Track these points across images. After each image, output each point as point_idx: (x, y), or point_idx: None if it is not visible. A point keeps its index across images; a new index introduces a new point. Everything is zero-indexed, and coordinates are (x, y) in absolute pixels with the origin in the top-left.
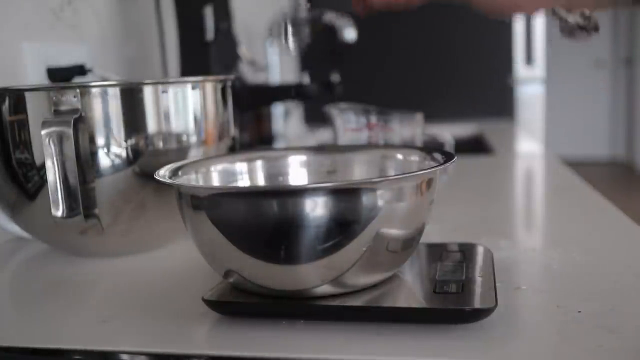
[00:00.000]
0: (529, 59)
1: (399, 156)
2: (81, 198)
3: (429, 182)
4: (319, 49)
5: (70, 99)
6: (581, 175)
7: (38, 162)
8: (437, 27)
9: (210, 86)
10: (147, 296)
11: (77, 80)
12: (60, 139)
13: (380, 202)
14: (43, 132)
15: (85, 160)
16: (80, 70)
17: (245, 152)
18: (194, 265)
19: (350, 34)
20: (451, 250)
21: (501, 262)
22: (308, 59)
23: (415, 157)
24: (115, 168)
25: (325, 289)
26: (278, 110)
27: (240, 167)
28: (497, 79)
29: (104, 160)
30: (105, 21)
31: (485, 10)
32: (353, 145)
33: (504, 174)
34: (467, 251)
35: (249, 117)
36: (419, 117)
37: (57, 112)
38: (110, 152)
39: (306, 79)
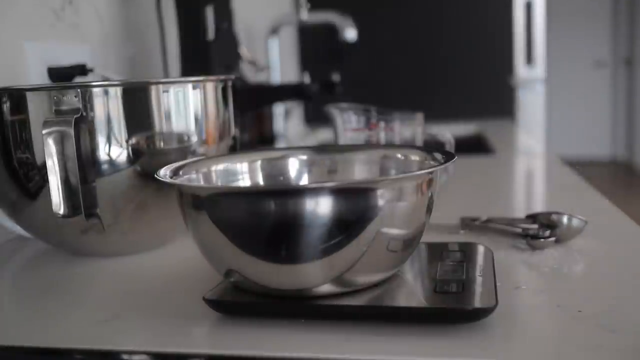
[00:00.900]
0: (529, 59)
1: (400, 156)
2: (82, 198)
3: (430, 182)
4: (319, 49)
5: (71, 99)
6: (581, 175)
7: (39, 161)
8: (437, 27)
9: (211, 86)
10: (147, 295)
11: (78, 80)
12: (61, 139)
13: (380, 202)
14: (44, 131)
15: (86, 160)
16: (81, 70)
17: (246, 151)
18: (194, 264)
19: (350, 33)
20: (452, 250)
21: (501, 262)
22: (308, 58)
23: (415, 157)
24: (116, 168)
25: (326, 288)
26: (279, 110)
27: (241, 166)
28: (497, 79)
29: (104, 160)
30: (106, 21)
31: None
32: (353, 145)
33: (504, 174)
34: (467, 251)
35: (249, 117)
36: (420, 116)
37: (58, 112)
38: (111, 151)
39: (307, 79)
